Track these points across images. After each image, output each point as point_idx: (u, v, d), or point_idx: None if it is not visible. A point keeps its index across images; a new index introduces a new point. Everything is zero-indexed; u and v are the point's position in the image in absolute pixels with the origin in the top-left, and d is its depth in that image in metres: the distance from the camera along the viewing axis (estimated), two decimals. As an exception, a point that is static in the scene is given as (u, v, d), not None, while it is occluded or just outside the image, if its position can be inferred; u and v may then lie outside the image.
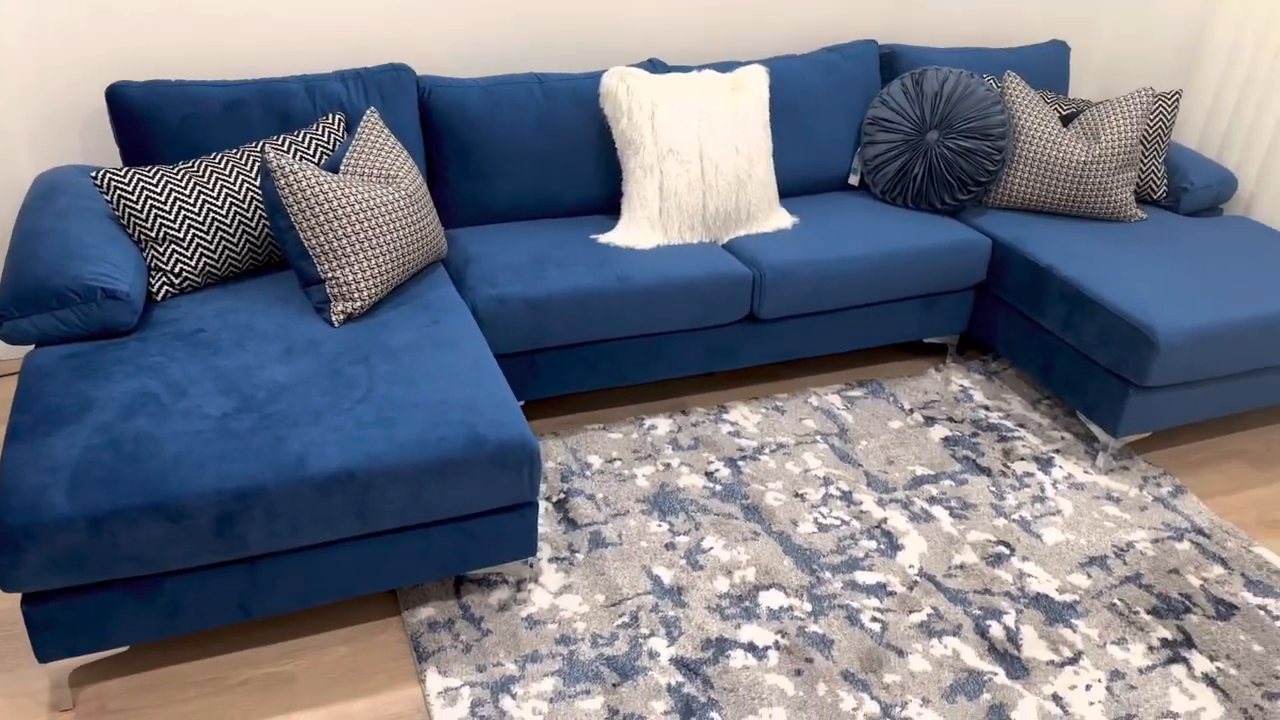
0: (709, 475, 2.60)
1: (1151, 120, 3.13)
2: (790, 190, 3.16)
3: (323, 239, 2.17)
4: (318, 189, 2.16)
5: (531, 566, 2.22)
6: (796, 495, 2.55)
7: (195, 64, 2.69)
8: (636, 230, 2.76)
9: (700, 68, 2.97)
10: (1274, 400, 2.81)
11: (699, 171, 2.75)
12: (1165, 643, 2.16)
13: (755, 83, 2.87)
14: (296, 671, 1.98)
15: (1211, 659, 2.13)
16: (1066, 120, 3.14)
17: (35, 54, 2.54)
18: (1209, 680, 2.07)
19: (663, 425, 2.79)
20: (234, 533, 1.76)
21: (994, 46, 3.62)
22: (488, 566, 2.06)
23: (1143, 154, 3.15)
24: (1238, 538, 2.50)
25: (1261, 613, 2.26)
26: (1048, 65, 3.43)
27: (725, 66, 3.03)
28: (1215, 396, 2.70)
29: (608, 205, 2.95)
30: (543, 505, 2.45)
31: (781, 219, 2.93)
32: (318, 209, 2.16)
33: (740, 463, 2.65)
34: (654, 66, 2.96)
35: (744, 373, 3.11)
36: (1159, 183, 3.18)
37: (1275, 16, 3.19)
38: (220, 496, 1.72)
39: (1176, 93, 3.16)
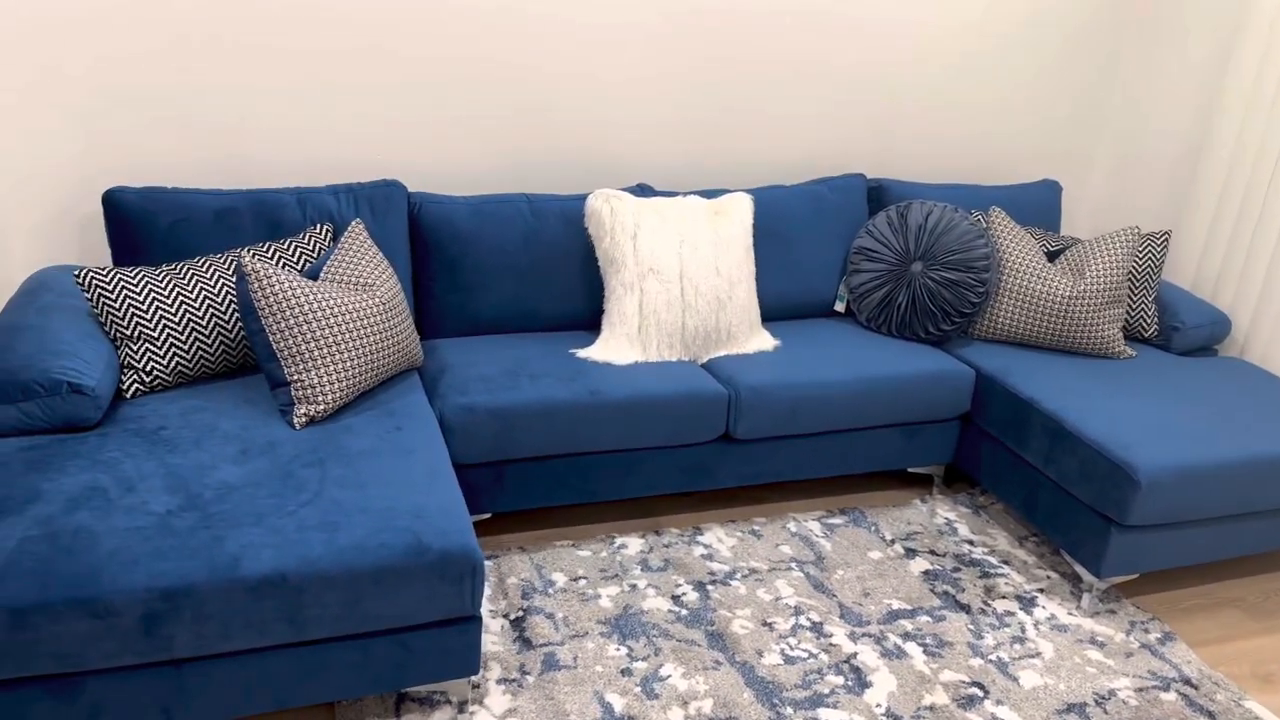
0: (675, 599, 2.52)
1: (1139, 258, 3.14)
2: (776, 315, 3.18)
3: (291, 342, 2.20)
4: (289, 292, 2.20)
5: (476, 687, 2.15)
6: (765, 624, 2.46)
7: (198, 173, 2.79)
8: (615, 346, 2.78)
9: (686, 194, 3.04)
10: (1270, 545, 2.71)
11: (679, 291, 2.78)
12: (1145, 801, 2.03)
13: (738, 208, 2.93)
14: (220, 786, 1.89)
15: (1195, 822, 1.99)
16: (1053, 256, 3.16)
17: (36, 158, 2.65)
18: (1190, 845, 1.93)
19: (634, 545, 2.74)
20: (160, 633, 1.72)
21: (985, 184, 3.68)
22: (427, 683, 1.99)
23: (1131, 292, 3.15)
24: (1228, 690, 2.37)
25: (1251, 773, 2.12)
26: (1038, 203, 3.47)
27: (712, 194, 3.10)
28: (1205, 539, 2.61)
29: (590, 322, 2.98)
30: (499, 622, 2.38)
31: (763, 341, 2.94)
32: (288, 312, 2.19)
33: (710, 587, 2.58)
34: (641, 191, 3.03)
35: (724, 495, 3.06)
36: (1150, 321, 3.16)
37: (1264, 161, 3.22)
38: (149, 595, 1.69)
39: (1166, 233, 3.18)
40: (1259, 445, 2.55)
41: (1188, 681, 2.39)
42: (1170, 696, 2.33)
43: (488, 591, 2.50)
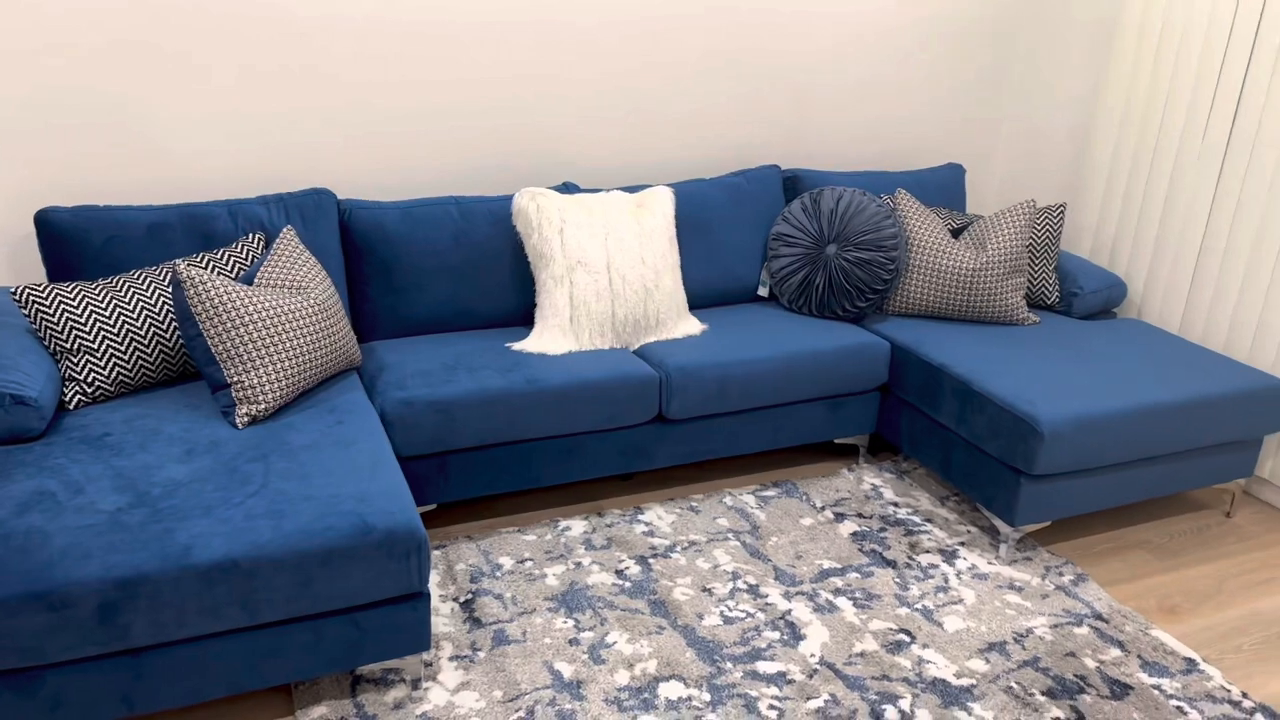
0: (619, 573, 2.64)
1: (1038, 230, 3.34)
2: (703, 302, 3.32)
3: (228, 344, 2.27)
4: (224, 297, 2.27)
5: (429, 665, 2.23)
6: (704, 590, 2.58)
7: (132, 192, 2.84)
8: (549, 338, 2.89)
9: (610, 190, 3.16)
10: (1171, 489, 2.91)
11: (607, 281, 2.90)
12: (1060, 723, 2.18)
13: (659, 201, 3.06)
14: (183, 773, 1.96)
15: (1106, 738, 2.15)
16: (957, 233, 3.35)
17: (-29, 183, 2.68)
18: (1100, 758, 2.09)
19: (577, 526, 2.84)
20: (117, 623, 1.78)
21: (893, 170, 3.87)
22: (380, 661, 2.07)
23: (1032, 262, 3.35)
24: (1136, 622, 2.55)
25: (1156, 692, 2.29)
26: (943, 185, 3.67)
27: (636, 189, 3.23)
28: (1108, 486, 2.79)
29: (524, 318, 3.09)
30: (450, 605, 2.47)
31: (691, 326, 3.07)
32: (224, 316, 2.27)
33: (651, 560, 2.70)
34: (567, 188, 3.15)
35: (662, 476, 3.18)
36: (1051, 289, 3.36)
37: (1145, 137, 3.45)
38: (103, 585, 1.76)
39: (1061, 205, 3.38)
40: (1152, 395, 2.75)
41: (1099, 616, 2.56)
42: (1082, 630, 2.50)
43: (437, 578, 2.58)
